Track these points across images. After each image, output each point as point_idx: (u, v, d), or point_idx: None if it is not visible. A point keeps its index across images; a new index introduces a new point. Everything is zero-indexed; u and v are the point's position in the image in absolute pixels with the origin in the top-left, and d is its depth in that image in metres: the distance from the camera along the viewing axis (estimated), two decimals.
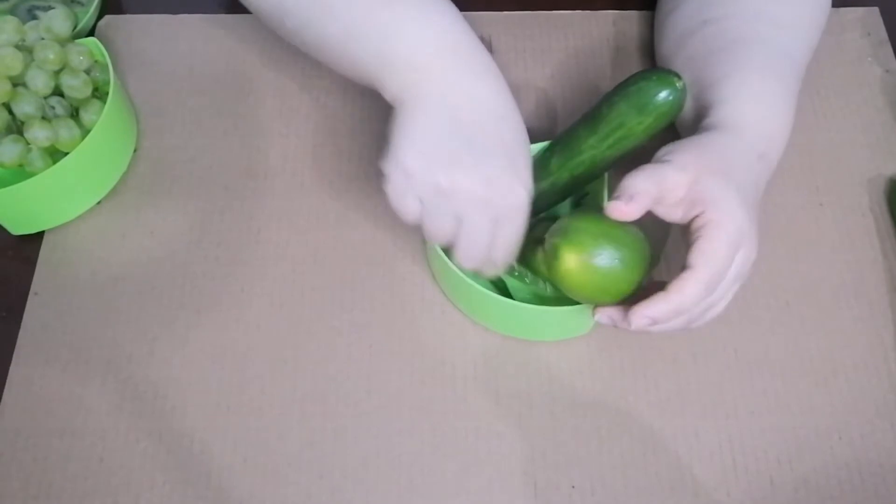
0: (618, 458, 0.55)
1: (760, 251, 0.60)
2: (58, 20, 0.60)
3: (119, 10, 0.73)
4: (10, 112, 0.58)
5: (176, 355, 0.58)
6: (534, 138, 0.57)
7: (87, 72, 0.61)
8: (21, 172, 0.60)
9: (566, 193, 0.56)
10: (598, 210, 0.49)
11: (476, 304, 0.58)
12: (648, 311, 0.46)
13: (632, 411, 0.56)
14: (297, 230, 0.63)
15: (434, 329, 0.59)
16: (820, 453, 0.55)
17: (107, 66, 0.62)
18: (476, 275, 0.54)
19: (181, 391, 0.57)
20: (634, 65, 0.70)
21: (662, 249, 0.60)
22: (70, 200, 0.62)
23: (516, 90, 0.68)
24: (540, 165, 0.56)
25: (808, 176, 0.65)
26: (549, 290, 0.57)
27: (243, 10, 0.71)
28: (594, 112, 0.52)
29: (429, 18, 0.51)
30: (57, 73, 0.60)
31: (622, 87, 0.50)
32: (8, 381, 0.57)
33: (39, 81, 0.58)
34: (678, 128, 0.59)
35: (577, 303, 0.52)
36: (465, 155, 0.49)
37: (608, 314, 0.49)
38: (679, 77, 0.48)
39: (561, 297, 0.54)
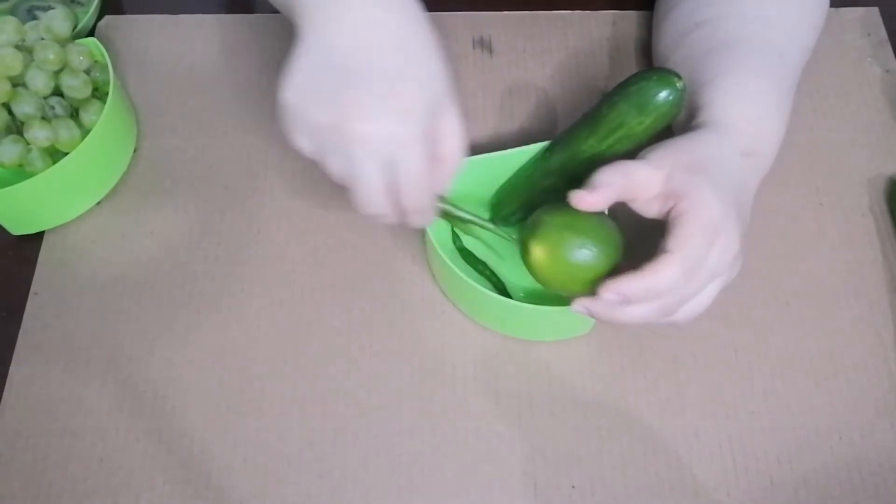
0: (618, 458, 0.55)
1: (760, 251, 0.61)
2: (58, 20, 0.60)
3: (119, 11, 0.73)
4: (10, 112, 0.58)
5: (176, 355, 0.58)
6: (534, 138, 0.58)
7: (87, 72, 0.61)
8: (21, 172, 0.60)
9: (566, 193, 0.56)
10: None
11: (476, 304, 0.58)
12: (619, 287, 0.45)
13: (632, 411, 0.56)
14: (297, 230, 0.63)
15: (434, 329, 0.59)
16: (820, 453, 0.55)
17: (106, 66, 0.62)
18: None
19: (181, 391, 0.57)
20: (634, 64, 0.70)
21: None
22: (70, 200, 0.62)
23: (516, 90, 0.69)
24: (540, 165, 0.56)
25: (808, 176, 0.65)
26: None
27: (243, 10, 0.71)
28: (594, 112, 0.52)
29: None
30: (57, 73, 0.60)
31: (622, 87, 0.50)
32: (8, 381, 0.57)
33: (39, 81, 0.58)
34: (674, 129, 0.59)
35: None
36: (345, 89, 0.46)
37: (583, 303, 0.48)
38: (679, 77, 0.48)
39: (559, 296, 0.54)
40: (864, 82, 0.69)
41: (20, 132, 0.59)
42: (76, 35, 0.66)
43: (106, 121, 0.60)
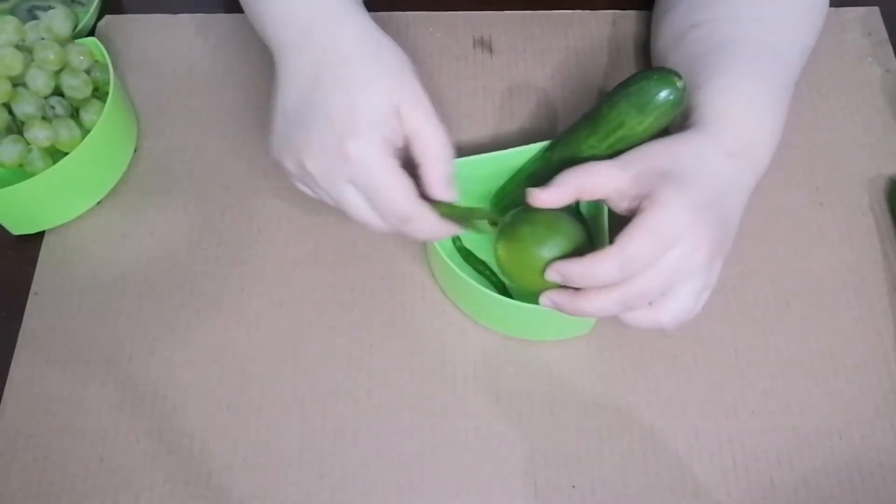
0: (618, 458, 0.55)
1: (761, 251, 0.61)
2: (58, 20, 0.60)
3: (119, 10, 0.73)
4: (11, 112, 0.58)
5: (176, 355, 0.58)
6: (534, 138, 0.58)
7: (88, 72, 0.61)
8: (21, 172, 0.60)
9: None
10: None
11: (476, 304, 0.58)
12: (560, 267, 0.47)
13: (632, 411, 0.56)
14: (297, 230, 0.63)
15: (434, 329, 0.59)
16: (820, 453, 0.55)
17: (107, 66, 0.62)
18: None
19: (181, 391, 0.57)
20: (634, 64, 0.70)
21: None
22: (70, 200, 0.62)
23: (517, 90, 0.69)
24: (540, 164, 0.56)
25: (808, 176, 0.65)
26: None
27: (243, 10, 0.71)
28: (594, 111, 0.52)
29: None
30: (57, 73, 0.60)
31: (623, 87, 0.50)
32: (8, 380, 0.57)
33: (39, 81, 0.58)
34: (671, 131, 0.59)
35: None
36: (295, 130, 0.49)
37: (548, 295, 0.49)
38: (679, 77, 0.48)
39: None
40: (864, 82, 0.69)
41: (20, 132, 0.59)
42: (76, 35, 0.66)
43: (106, 121, 0.60)
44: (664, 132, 0.51)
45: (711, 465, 0.54)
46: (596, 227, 0.56)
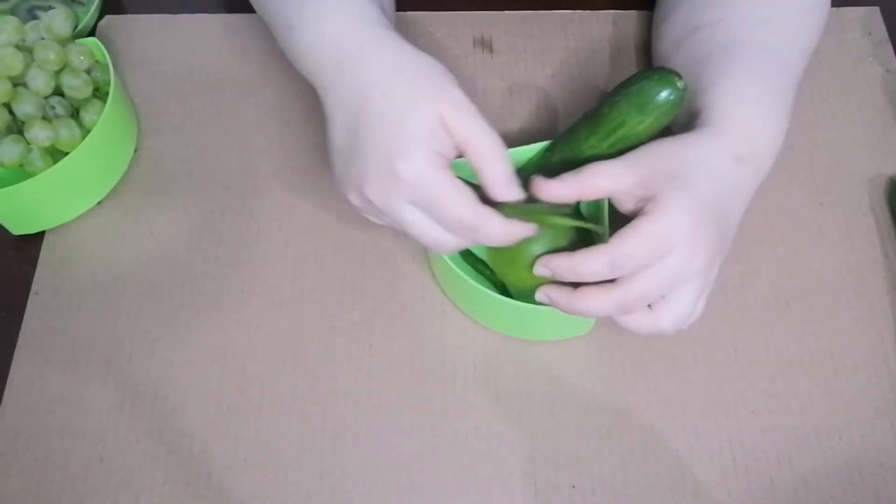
0: (618, 458, 0.55)
1: (761, 251, 0.61)
2: (58, 20, 0.60)
3: (119, 10, 0.73)
4: (11, 112, 0.58)
5: (176, 355, 0.58)
6: (534, 138, 0.58)
7: (88, 72, 0.61)
8: (21, 172, 0.60)
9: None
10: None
11: (476, 304, 0.58)
12: (549, 261, 0.48)
13: (632, 411, 0.56)
14: (297, 230, 0.63)
15: (434, 329, 0.59)
16: (820, 453, 0.55)
17: (107, 66, 0.62)
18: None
19: (181, 391, 0.57)
20: (635, 64, 0.70)
21: None
22: (70, 200, 0.62)
23: (517, 90, 0.69)
24: (540, 164, 0.56)
25: (808, 176, 0.65)
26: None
27: (243, 10, 0.71)
28: (595, 111, 0.52)
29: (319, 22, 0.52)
30: (57, 73, 0.60)
31: (623, 87, 0.50)
32: (8, 380, 0.57)
33: (40, 81, 0.58)
34: (674, 132, 0.59)
35: None
36: (349, 162, 0.49)
37: (544, 290, 0.49)
38: (680, 77, 0.48)
39: None
40: (864, 82, 0.69)
41: (21, 132, 0.59)
42: (77, 35, 0.66)
43: (106, 120, 0.60)
44: (666, 131, 0.51)
45: (711, 465, 0.54)
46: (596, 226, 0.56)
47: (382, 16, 0.53)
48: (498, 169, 0.49)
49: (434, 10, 0.72)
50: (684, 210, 0.46)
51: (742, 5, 0.57)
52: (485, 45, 0.71)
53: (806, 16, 0.58)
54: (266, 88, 0.69)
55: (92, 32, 0.71)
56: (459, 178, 0.48)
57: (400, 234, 0.60)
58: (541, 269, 0.49)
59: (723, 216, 0.48)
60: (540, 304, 0.54)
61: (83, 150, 0.59)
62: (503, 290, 0.59)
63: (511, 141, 0.65)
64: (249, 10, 0.65)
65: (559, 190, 0.48)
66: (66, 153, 0.59)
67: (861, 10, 0.72)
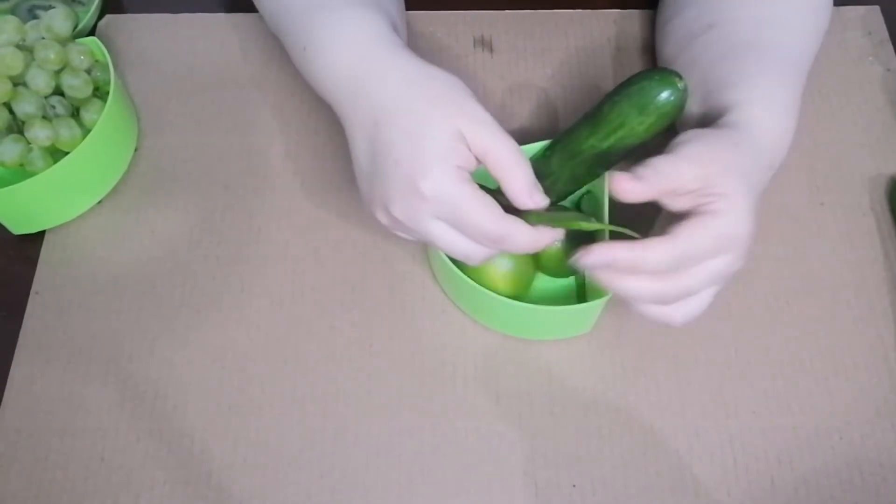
0: (618, 458, 0.55)
1: (761, 251, 0.61)
2: (58, 20, 0.60)
3: (120, 10, 0.73)
4: (11, 112, 0.58)
5: (176, 355, 0.58)
6: (534, 137, 0.57)
7: (88, 71, 0.61)
8: (22, 172, 0.60)
9: (567, 192, 0.56)
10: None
11: (476, 304, 0.58)
12: (607, 250, 0.45)
13: (632, 411, 0.56)
14: (297, 230, 0.63)
15: (434, 329, 0.59)
16: (820, 453, 0.55)
17: (107, 65, 0.62)
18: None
19: (181, 391, 0.57)
20: (635, 64, 0.70)
21: None
22: (71, 200, 0.62)
23: (517, 89, 0.69)
24: (541, 164, 0.56)
25: (808, 175, 0.65)
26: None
27: (243, 9, 0.71)
28: (595, 111, 0.52)
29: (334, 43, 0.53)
30: (57, 72, 0.60)
31: (623, 87, 0.50)
32: (9, 380, 0.57)
33: (40, 81, 0.58)
34: (683, 125, 0.59)
35: (576, 302, 0.52)
36: (377, 184, 0.49)
37: (586, 257, 0.46)
38: (681, 77, 0.48)
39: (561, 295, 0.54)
40: (864, 81, 0.69)
41: (21, 131, 0.59)
42: (77, 34, 0.66)
43: (107, 120, 0.60)
44: (672, 129, 0.51)
45: (712, 464, 0.54)
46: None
47: (394, 34, 0.53)
48: (520, 179, 0.48)
49: (434, 9, 0.72)
50: (750, 212, 0.46)
51: (758, 6, 0.57)
52: (485, 44, 0.71)
53: (815, 18, 0.58)
54: (266, 88, 0.69)
55: (92, 32, 0.70)
56: (481, 185, 0.48)
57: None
58: (592, 258, 0.45)
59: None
60: (538, 304, 0.54)
61: (83, 149, 0.59)
62: None
63: None
64: (249, 9, 0.65)
65: (639, 189, 0.45)
66: (67, 153, 0.59)
67: (861, 9, 0.72)
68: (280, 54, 0.70)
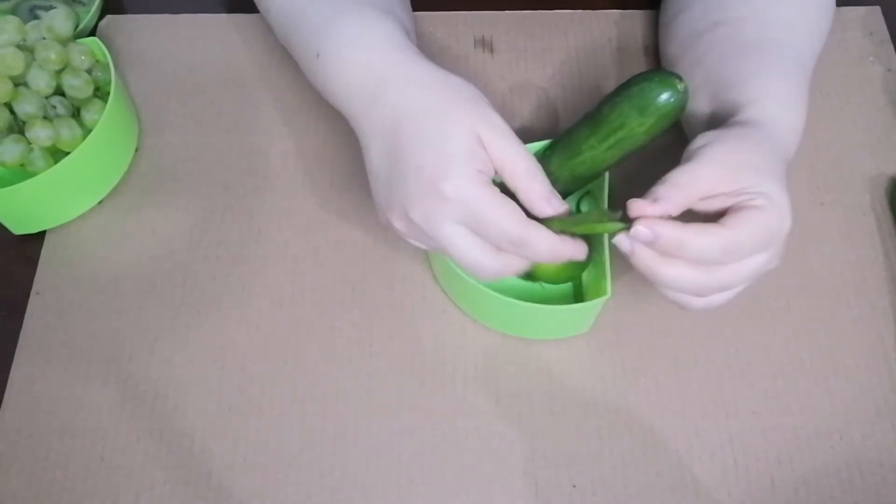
0: (618, 458, 0.55)
1: None
2: (59, 20, 0.60)
3: (120, 10, 0.73)
4: (12, 112, 0.58)
5: (176, 355, 0.58)
6: (534, 137, 0.57)
7: (89, 71, 0.61)
8: (22, 172, 0.60)
9: (566, 192, 0.56)
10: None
11: (476, 304, 0.58)
12: (656, 225, 0.44)
13: (632, 411, 0.56)
14: (297, 230, 0.63)
15: (434, 329, 0.59)
16: (821, 453, 0.55)
17: (108, 65, 0.62)
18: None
19: (182, 391, 0.57)
20: (636, 64, 0.70)
21: None
22: (71, 200, 0.62)
23: (517, 89, 0.69)
24: (540, 164, 0.56)
25: (809, 175, 0.65)
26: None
27: (243, 9, 0.71)
28: (595, 112, 0.52)
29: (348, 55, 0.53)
30: (58, 72, 0.60)
31: (623, 88, 0.50)
32: (9, 380, 0.57)
33: (41, 81, 0.58)
34: (687, 130, 0.59)
35: (576, 302, 0.52)
36: (396, 189, 0.49)
37: (630, 233, 0.45)
38: (681, 79, 0.48)
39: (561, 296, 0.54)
40: (865, 81, 0.69)
41: (22, 132, 0.59)
42: (78, 34, 0.66)
43: (107, 120, 0.60)
44: (672, 133, 0.51)
45: (712, 464, 0.54)
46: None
47: (409, 41, 0.53)
48: (536, 186, 0.48)
49: (435, 10, 0.73)
50: (788, 209, 0.46)
51: (765, 4, 0.57)
52: (485, 45, 0.71)
53: (819, 18, 0.58)
54: (266, 88, 0.69)
55: (93, 32, 0.71)
56: (501, 188, 0.48)
57: None
58: (642, 230, 0.44)
59: None
60: (538, 303, 0.54)
61: (84, 149, 0.59)
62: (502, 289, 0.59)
63: None
64: (250, 10, 0.65)
65: (665, 209, 0.45)
66: (67, 153, 0.59)
67: (862, 9, 0.72)
68: (280, 54, 0.70)
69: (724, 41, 0.57)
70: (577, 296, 0.60)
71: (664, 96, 0.48)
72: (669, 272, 0.45)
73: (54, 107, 0.60)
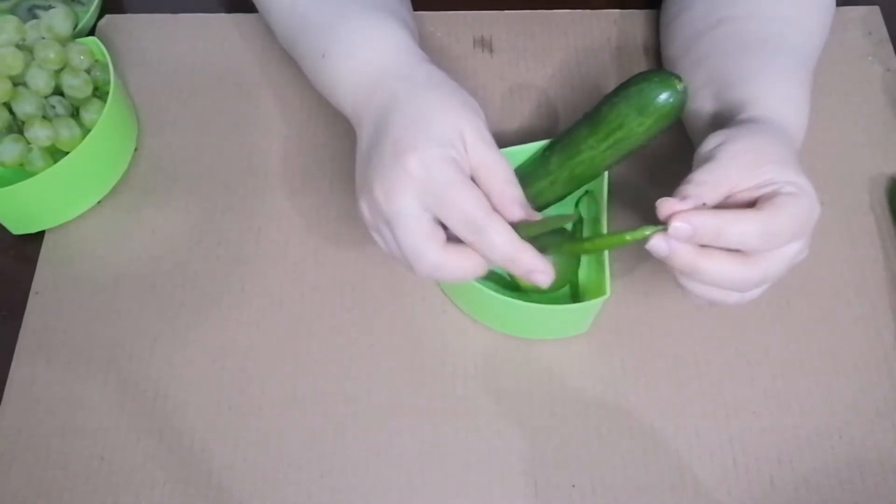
0: (618, 458, 0.55)
1: None
2: (58, 19, 0.60)
3: (119, 10, 0.73)
4: (11, 111, 0.58)
5: (176, 354, 0.58)
6: (534, 137, 0.57)
7: (88, 71, 0.61)
8: (22, 172, 0.60)
9: (565, 192, 0.56)
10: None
11: (476, 304, 0.58)
12: (692, 217, 0.43)
13: (632, 411, 0.56)
14: (297, 230, 0.63)
15: (434, 329, 0.59)
16: (820, 453, 0.55)
17: (107, 65, 0.62)
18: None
19: (182, 390, 0.57)
20: (636, 64, 0.70)
21: None
22: (71, 200, 0.62)
23: (517, 89, 0.69)
24: (539, 164, 0.56)
25: (808, 175, 0.65)
26: None
27: (243, 9, 0.71)
28: (594, 112, 0.52)
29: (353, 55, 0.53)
30: (57, 72, 0.60)
31: (623, 88, 0.50)
32: (9, 380, 0.57)
33: (40, 81, 0.58)
34: (690, 130, 0.59)
35: (575, 302, 0.52)
36: (370, 166, 0.48)
37: (667, 230, 0.43)
38: (680, 79, 0.48)
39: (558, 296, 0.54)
40: (864, 81, 0.69)
41: (21, 131, 0.59)
42: (77, 34, 0.66)
43: (106, 120, 0.60)
44: (672, 133, 0.51)
45: (712, 464, 0.54)
46: (597, 229, 0.56)
47: (415, 44, 0.53)
48: (509, 191, 0.47)
49: (434, 9, 0.72)
50: (815, 196, 0.46)
51: (767, 4, 0.57)
52: (485, 44, 0.71)
53: (820, 16, 0.59)
54: (266, 88, 0.69)
55: (92, 32, 0.71)
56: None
57: None
58: (680, 225, 0.42)
59: None
60: (538, 303, 0.54)
61: (83, 149, 0.59)
62: (503, 288, 0.59)
63: (511, 140, 0.66)
64: (250, 9, 0.65)
65: (697, 203, 0.44)
66: (67, 152, 0.59)
67: (861, 9, 0.72)
68: (280, 54, 0.70)
69: (726, 40, 0.57)
70: (576, 296, 0.60)
71: (663, 96, 0.48)
72: (711, 266, 0.44)
73: (53, 106, 0.60)
